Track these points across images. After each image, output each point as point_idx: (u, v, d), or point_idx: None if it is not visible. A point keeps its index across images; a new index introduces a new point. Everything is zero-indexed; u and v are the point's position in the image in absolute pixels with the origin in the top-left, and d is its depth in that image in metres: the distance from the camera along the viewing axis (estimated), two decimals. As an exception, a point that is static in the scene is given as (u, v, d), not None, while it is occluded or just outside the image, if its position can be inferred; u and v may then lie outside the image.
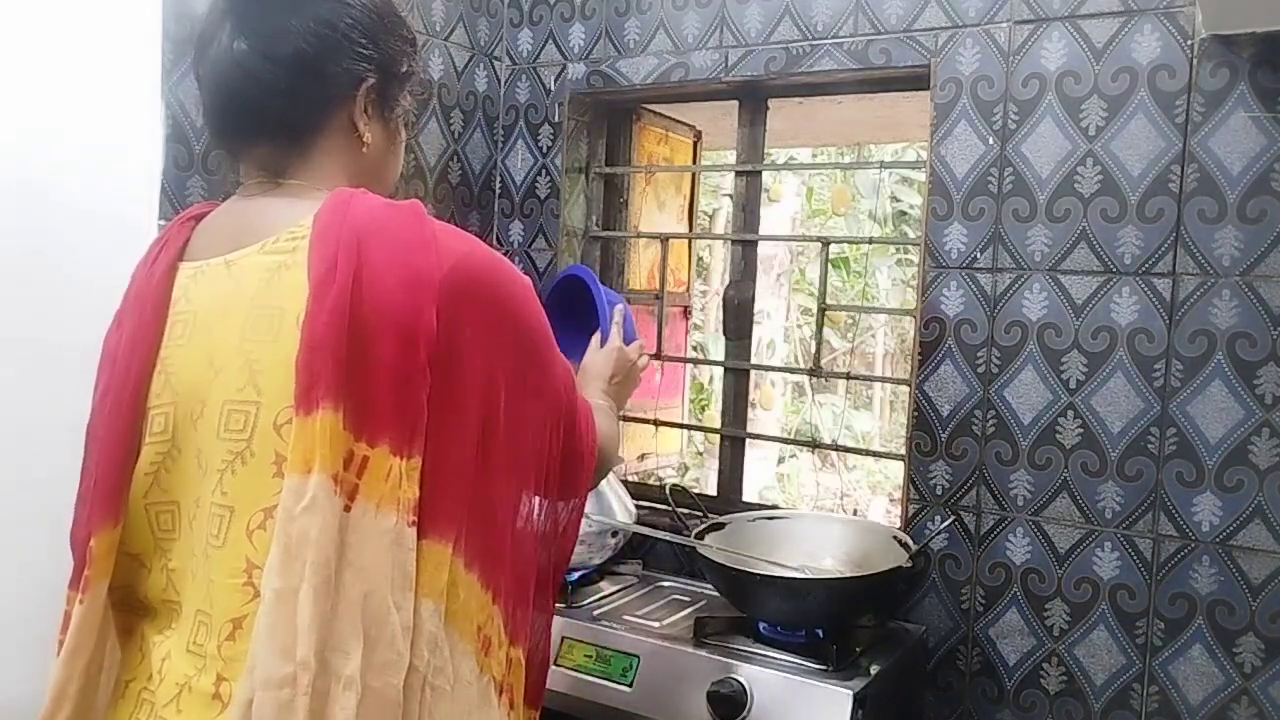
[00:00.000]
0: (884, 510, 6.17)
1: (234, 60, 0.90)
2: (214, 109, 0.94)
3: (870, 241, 2.18)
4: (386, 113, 0.98)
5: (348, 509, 0.79)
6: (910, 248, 6.69)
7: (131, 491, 0.88)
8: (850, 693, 1.33)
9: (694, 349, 5.98)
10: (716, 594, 1.63)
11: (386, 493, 0.80)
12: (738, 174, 2.03)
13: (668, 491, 1.85)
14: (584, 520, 1.69)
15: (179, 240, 0.94)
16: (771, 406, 6.74)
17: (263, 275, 0.85)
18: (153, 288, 0.90)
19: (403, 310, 0.81)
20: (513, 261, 2.10)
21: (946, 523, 1.63)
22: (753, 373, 2.20)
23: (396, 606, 0.80)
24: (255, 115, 0.92)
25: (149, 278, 0.92)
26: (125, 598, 0.90)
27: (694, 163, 2.49)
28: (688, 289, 2.48)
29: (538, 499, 0.99)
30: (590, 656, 1.49)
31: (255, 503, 0.82)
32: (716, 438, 2.12)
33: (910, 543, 1.59)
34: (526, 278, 0.95)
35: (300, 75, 0.90)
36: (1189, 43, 1.46)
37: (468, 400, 0.85)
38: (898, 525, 1.71)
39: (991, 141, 1.59)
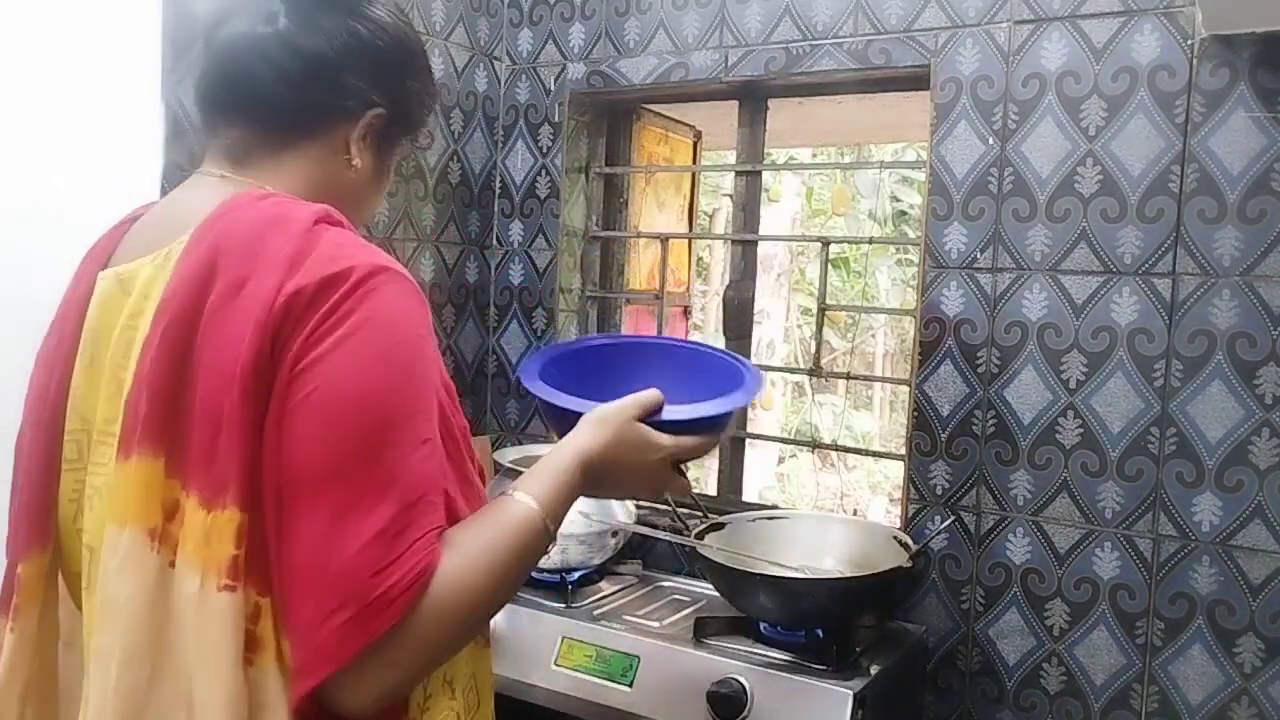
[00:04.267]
0: (884, 510, 6.17)
1: (254, 38, 0.85)
2: (210, 76, 0.88)
3: (870, 241, 2.18)
4: (384, 148, 0.93)
5: (172, 564, 0.72)
6: (910, 248, 6.69)
7: (60, 515, 0.83)
8: (850, 693, 1.33)
9: (694, 349, 5.96)
10: (716, 594, 1.63)
11: (195, 549, 0.71)
12: (738, 174, 2.03)
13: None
14: (584, 520, 1.70)
15: (108, 246, 0.88)
16: (771, 406, 6.75)
17: (145, 291, 0.79)
18: (74, 299, 0.86)
19: (229, 340, 0.72)
20: (512, 262, 2.11)
21: (946, 523, 1.63)
22: (753, 373, 2.20)
23: (218, 676, 0.70)
24: (250, 95, 0.86)
25: (74, 287, 0.87)
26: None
27: (694, 163, 2.49)
28: (688, 289, 2.48)
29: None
30: (590, 657, 1.49)
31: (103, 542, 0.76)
32: (716, 438, 2.11)
33: (910, 543, 1.59)
34: (415, 313, 0.79)
35: (314, 73, 0.86)
36: (1189, 43, 1.46)
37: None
38: (898, 525, 1.71)
39: (991, 141, 1.59)
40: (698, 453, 1.00)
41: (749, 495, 2.08)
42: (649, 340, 1.50)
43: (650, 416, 0.96)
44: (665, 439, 0.96)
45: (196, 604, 0.71)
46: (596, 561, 1.75)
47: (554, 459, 0.89)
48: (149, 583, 0.71)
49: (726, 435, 1.00)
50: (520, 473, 0.91)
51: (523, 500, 0.83)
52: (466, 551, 0.75)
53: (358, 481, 0.71)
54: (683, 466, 1.01)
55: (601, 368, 1.16)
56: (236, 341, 0.71)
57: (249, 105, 0.87)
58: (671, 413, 0.97)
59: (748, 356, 2.07)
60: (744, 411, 2.07)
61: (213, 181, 0.87)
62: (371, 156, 0.92)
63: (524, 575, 0.82)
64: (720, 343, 2.07)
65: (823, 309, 1.92)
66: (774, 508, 1.98)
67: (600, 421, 0.94)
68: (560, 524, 0.86)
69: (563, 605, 1.61)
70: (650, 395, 0.97)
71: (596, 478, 0.91)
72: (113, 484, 0.73)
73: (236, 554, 0.71)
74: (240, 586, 0.71)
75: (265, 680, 0.72)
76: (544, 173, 2.07)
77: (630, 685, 1.44)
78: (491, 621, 0.90)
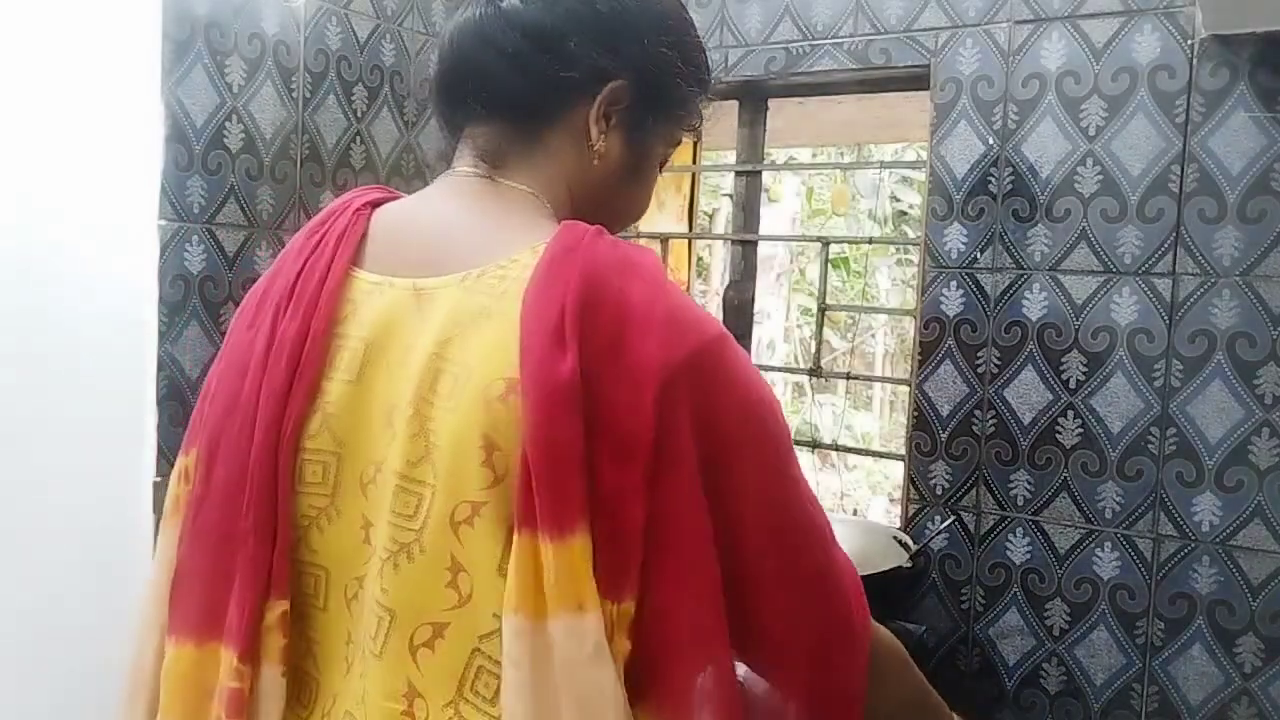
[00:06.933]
0: (884, 510, 6.17)
1: (477, 23, 0.78)
2: (441, 75, 0.81)
3: (870, 241, 2.18)
4: (634, 131, 0.81)
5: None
6: (910, 248, 6.69)
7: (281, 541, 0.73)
8: (850, 693, 1.33)
9: (694, 349, 5.96)
10: (716, 594, 1.62)
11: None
12: (738, 174, 2.03)
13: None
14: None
15: (355, 235, 0.76)
16: (771, 406, 6.74)
17: (456, 318, 0.68)
18: (325, 293, 0.73)
19: (622, 408, 0.64)
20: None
21: (946, 523, 1.63)
22: (753, 373, 2.20)
23: None
24: (481, 86, 0.78)
25: (319, 278, 0.74)
26: None
27: (694, 163, 2.48)
28: (688, 289, 2.48)
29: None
30: (590, 656, 1.49)
31: (420, 613, 0.67)
32: (716, 438, 2.11)
33: (910, 543, 1.59)
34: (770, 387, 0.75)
35: (539, 48, 0.76)
36: (1189, 43, 1.46)
37: (694, 531, 0.66)
38: (898, 525, 1.71)
39: (991, 141, 1.59)
40: None
41: (749, 495, 2.08)
42: None
43: None
44: None
45: (615, 699, 0.64)
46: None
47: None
48: (617, 673, 0.64)
49: None
50: None
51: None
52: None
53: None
54: None
55: None
56: (630, 410, 0.64)
57: (485, 97, 0.79)
58: None
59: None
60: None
61: (478, 185, 0.78)
62: (620, 142, 0.81)
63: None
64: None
65: (823, 309, 1.92)
66: (774, 508, 1.97)
67: None
68: None
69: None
70: None
71: None
72: (548, 562, 0.63)
73: (629, 648, 0.66)
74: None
75: None
76: (544, 173, 2.06)
77: (630, 685, 1.44)
78: None
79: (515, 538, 0.64)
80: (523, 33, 0.76)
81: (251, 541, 0.71)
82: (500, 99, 0.78)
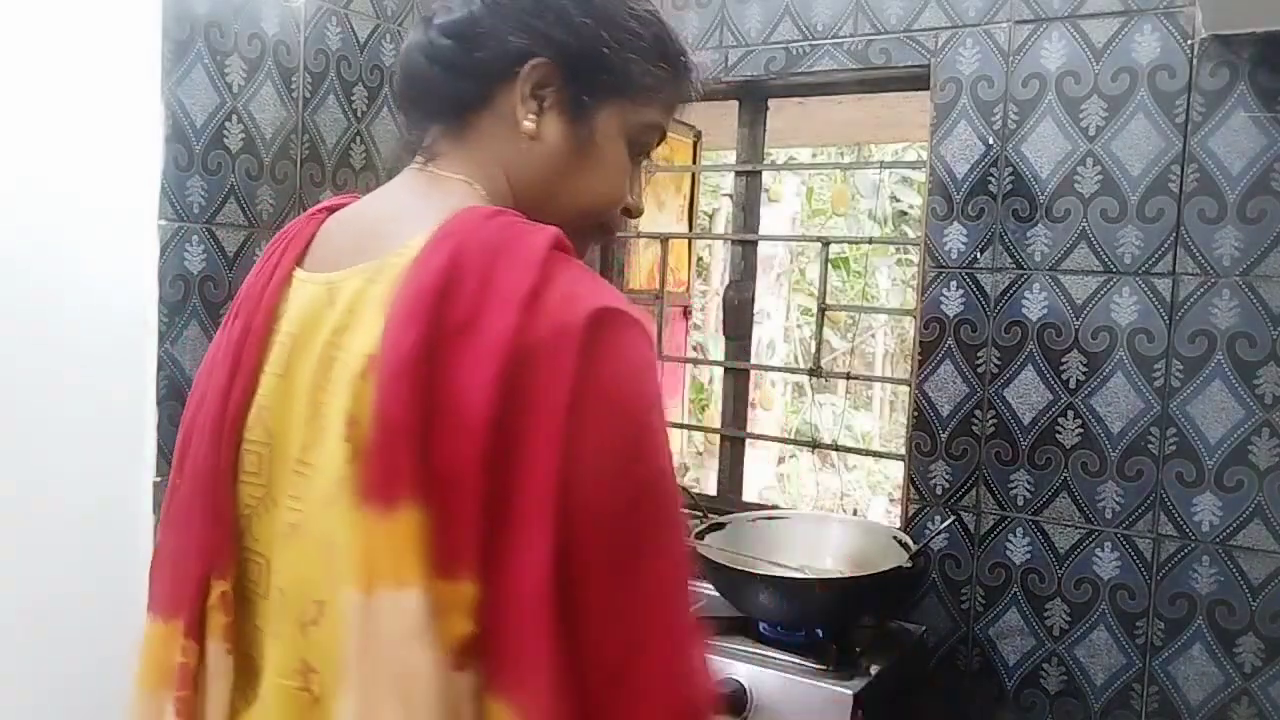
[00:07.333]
0: (884, 510, 6.17)
1: (412, 40, 0.81)
2: (395, 97, 0.85)
3: (870, 241, 2.18)
4: (572, 111, 0.78)
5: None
6: (910, 248, 6.69)
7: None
8: (850, 693, 1.33)
9: (694, 349, 5.98)
10: (716, 594, 1.63)
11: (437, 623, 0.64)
12: (738, 174, 2.03)
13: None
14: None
15: (303, 238, 0.79)
16: (771, 406, 6.75)
17: (352, 307, 0.70)
18: (267, 294, 0.77)
19: (464, 385, 0.63)
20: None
21: (946, 523, 1.63)
22: (753, 373, 2.20)
23: None
24: (418, 93, 0.81)
25: (265, 279, 0.78)
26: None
27: (694, 163, 2.49)
28: (688, 289, 2.48)
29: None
30: (590, 656, 1.49)
31: (305, 592, 0.69)
32: (716, 438, 2.12)
33: (910, 543, 1.59)
34: (656, 378, 0.71)
35: (460, 42, 0.78)
36: (1189, 43, 1.46)
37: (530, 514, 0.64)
38: (898, 525, 1.71)
39: (991, 141, 1.59)
40: None
41: (749, 495, 2.08)
42: None
43: None
44: None
45: (443, 680, 0.63)
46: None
47: None
48: (441, 657, 0.62)
49: None
50: None
51: None
52: None
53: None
54: None
55: None
56: (474, 390, 0.63)
57: (421, 100, 0.81)
58: None
59: (748, 357, 2.07)
60: (744, 411, 2.07)
61: (414, 177, 0.80)
62: (561, 124, 0.78)
63: None
64: (720, 343, 2.07)
65: (823, 309, 1.92)
66: (774, 508, 1.98)
67: None
68: None
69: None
70: None
71: None
72: (374, 536, 0.63)
73: (472, 631, 0.63)
74: (468, 671, 0.64)
75: None
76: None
77: (630, 685, 1.44)
78: None
79: (351, 511, 0.65)
80: (442, 32, 0.79)
81: (197, 523, 0.75)
82: (431, 97, 0.81)
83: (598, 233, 0.85)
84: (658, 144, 0.87)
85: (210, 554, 0.74)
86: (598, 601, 0.65)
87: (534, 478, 0.63)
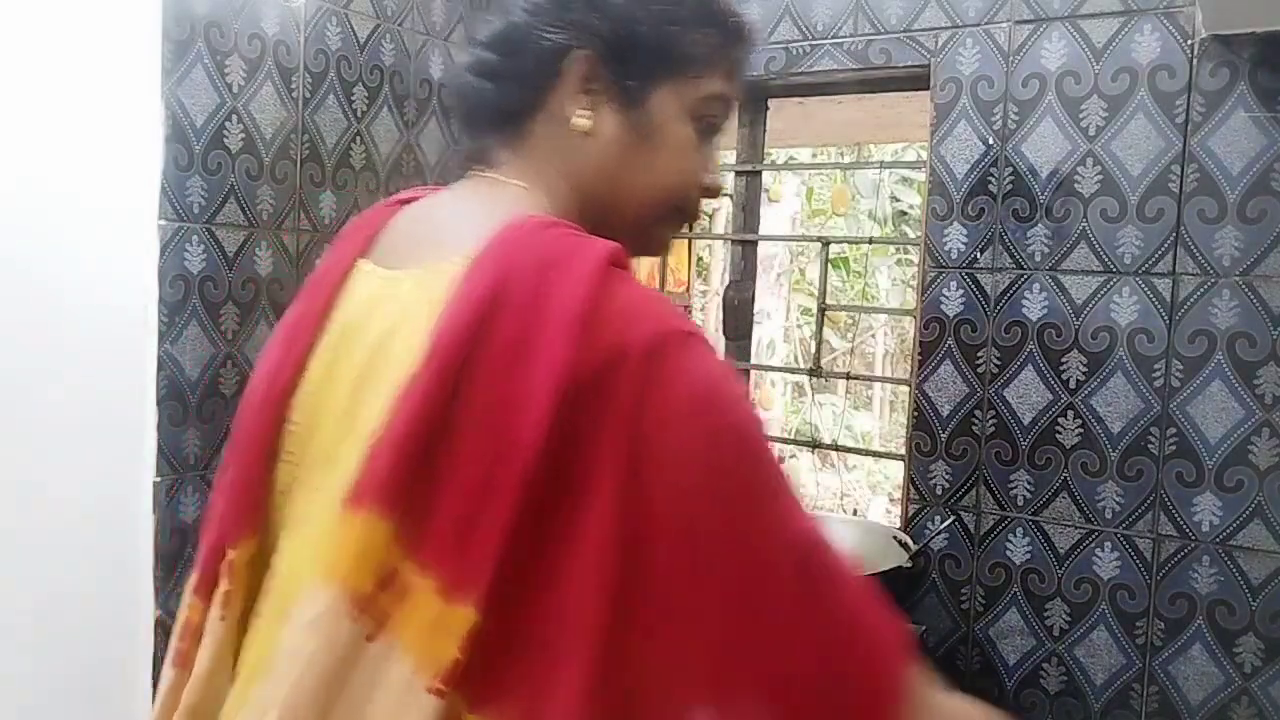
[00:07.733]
0: (884, 510, 6.17)
1: (461, 63, 0.81)
2: (456, 121, 0.83)
3: (870, 241, 2.18)
4: (625, 98, 0.75)
5: (370, 639, 0.62)
6: (910, 248, 6.69)
7: (271, 503, 0.75)
8: (850, 693, 1.33)
9: (694, 349, 5.95)
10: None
11: (415, 638, 0.62)
12: (738, 174, 2.03)
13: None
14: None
15: (373, 225, 0.78)
16: (771, 406, 6.75)
17: (404, 309, 0.69)
18: (329, 276, 0.76)
19: (520, 416, 0.60)
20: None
21: (946, 523, 1.63)
22: (753, 373, 2.20)
23: None
24: (471, 108, 0.80)
25: (332, 260, 0.78)
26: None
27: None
28: (688, 289, 2.48)
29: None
30: (590, 656, 1.49)
31: (290, 587, 0.70)
32: (716, 438, 2.11)
33: (910, 543, 1.59)
34: (748, 402, 0.68)
35: (502, 52, 0.77)
36: (1189, 43, 1.46)
37: (583, 545, 0.60)
38: (898, 525, 1.71)
39: (991, 141, 1.59)
40: None
41: (749, 495, 2.08)
42: None
43: None
44: None
45: (400, 693, 0.62)
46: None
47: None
48: (338, 650, 0.62)
49: None
50: None
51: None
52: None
53: None
54: None
55: None
56: (523, 418, 0.60)
57: (475, 115, 0.81)
58: None
59: (748, 357, 2.07)
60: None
61: (476, 181, 0.79)
62: (615, 114, 0.76)
63: None
64: (720, 343, 2.07)
65: (823, 309, 1.92)
66: (774, 508, 1.97)
67: None
68: None
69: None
70: None
71: None
72: (331, 531, 0.64)
73: (459, 659, 0.61)
74: (449, 694, 0.61)
75: None
76: (544, 173, 2.07)
77: (630, 685, 1.44)
78: None
79: (334, 511, 0.65)
80: (485, 46, 0.78)
81: (228, 490, 0.76)
82: (483, 111, 0.80)
83: (677, 219, 0.82)
84: (727, 115, 0.83)
85: (229, 520, 0.75)
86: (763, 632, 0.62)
87: (588, 531, 0.60)
